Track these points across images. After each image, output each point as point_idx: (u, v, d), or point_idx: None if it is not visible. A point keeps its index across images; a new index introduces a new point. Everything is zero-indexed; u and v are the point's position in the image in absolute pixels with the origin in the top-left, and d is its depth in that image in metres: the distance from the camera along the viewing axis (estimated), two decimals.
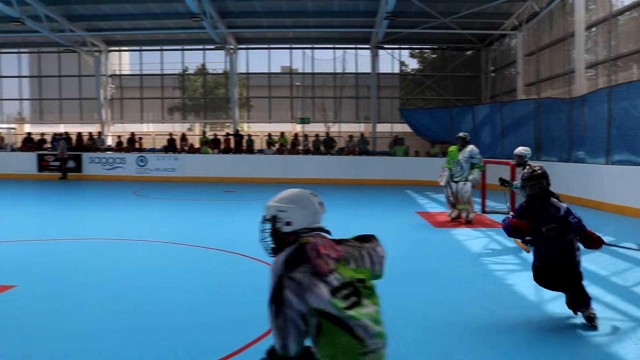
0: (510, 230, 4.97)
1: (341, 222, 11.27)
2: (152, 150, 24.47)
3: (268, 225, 2.70)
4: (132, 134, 25.18)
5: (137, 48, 27.37)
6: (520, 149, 8.53)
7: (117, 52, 27.95)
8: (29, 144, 25.17)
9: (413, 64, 27.39)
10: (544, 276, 4.87)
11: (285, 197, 2.72)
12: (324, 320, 2.37)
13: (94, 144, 24.91)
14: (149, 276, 6.42)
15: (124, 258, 7.47)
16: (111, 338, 4.41)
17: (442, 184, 10.94)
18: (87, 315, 4.99)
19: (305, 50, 26.12)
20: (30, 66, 28.66)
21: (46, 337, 4.43)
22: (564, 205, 4.97)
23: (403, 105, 25.87)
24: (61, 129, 27.41)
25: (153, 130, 28.41)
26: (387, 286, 3.00)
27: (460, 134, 10.93)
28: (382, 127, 25.83)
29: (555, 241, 4.80)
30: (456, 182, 10.64)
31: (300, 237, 2.59)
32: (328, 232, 2.67)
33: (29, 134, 26.15)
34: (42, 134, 25.90)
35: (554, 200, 4.99)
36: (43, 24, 21.58)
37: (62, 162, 22.65)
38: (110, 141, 26.15)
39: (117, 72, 27.84)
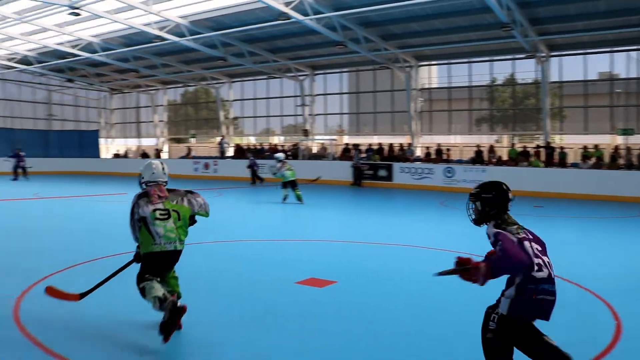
0: None
1: None
2: (459, 161, 25.40)
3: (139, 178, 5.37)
4: (439, 145, 26.70)
5: (446, 62, 28.82)
6: None
7: (426, 67, 29.88)
8: (346, 153, 28.68)
9: None
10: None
11: (143, 164, 5.38)
12: (142, 223, 4.95)
13: (404, 154, 27.08)
14: (443, 286, 6.91)
15: (425, 265, 8.15)
16: (412, 340, 4.98)
17: None
18: (392, 315, 5.63)
19: (630, 52, 24.23)
20: (350, 83, 32.48)
21: (357, 330, 5.22)
22: (493, 231, 3.60)
23: None
24: (374, 140, 30.44)
25: (460, 141, 29.54)
26: None
27: None
28: None
29: None
30: None
31: (145, 186, 5.22)
32: (165, 182, 5.29)
33: (347, 144, 29.71)
34: (358, 145, 29.21)
35: (488, 227, 3.72)
36: (362, 45, 24.39)
37: (356, 171, 25.40)
38: (419, 152, 28.07)
39: (427, 86, 29.75)
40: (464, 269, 3.39)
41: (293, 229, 12.93)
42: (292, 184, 16.99)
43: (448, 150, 26.25)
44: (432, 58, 28.65)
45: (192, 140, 39.12)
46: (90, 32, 27.13)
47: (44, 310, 5.57)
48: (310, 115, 32.55)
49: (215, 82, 36.12)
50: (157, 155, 37.29)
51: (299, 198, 16.87)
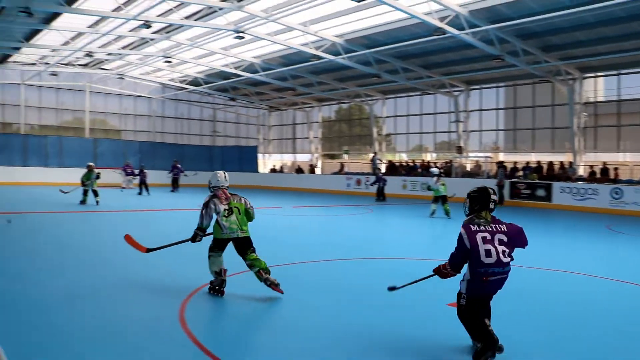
0: None
1: None
2: (630, 181, 23.42)
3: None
4: (605, 163, 24.85)
5: (615, 72, 26.72)
6: None
7: (592, 79, 27.99)
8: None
9: None
10: None
11: (212, 173, 6.99)
12: (218, 216, 6.65)
13: (565, 173, 25.56)
14: (606, 318, 6.34)
15: (592, 295, 7.57)
16: None
17: None
18: (548, 345, 5.33)
19: None
20: (506, 98, 31.35)
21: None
22: (461, 228, 4.94)
23: None
24: (532, 157, 29.06)
25: (630, 160, 27.23)
26: None
27: None
28: None
29: None
30: None
31: (213, 189, 6.87)
32: (227, 187, 6.93)
33: (502, 162, 28.67)
34: (515, 163, 28.06)
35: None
36: (520, 58, 23.46)
37: (499, 189, 24.48)
38: (582, 171, 26.38)
39: (592, 99, 27.85)
40: (437, 272, 5.09)
41: (445, 247, 12.71)
42: (442, 199, 18.05)
43: (616, 169, 24.37)
44: (598, 69, 26.75)
45: (345, 156, 39.99)
46: (252, 54, 28.94)
47: (206, 313, 6.01)
48: (464, 131, 31.90)
49: (368, 98, 36.71)
50: (311, 171, 38.71)
51: (447, 212, 17.84)
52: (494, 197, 5.02)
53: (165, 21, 22.51)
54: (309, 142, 42.83)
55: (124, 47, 29.02)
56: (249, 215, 6.98)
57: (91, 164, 20.30)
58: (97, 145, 35.95)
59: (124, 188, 30.51)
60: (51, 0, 19.90)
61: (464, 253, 4.80)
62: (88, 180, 19.43)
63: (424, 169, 29.97)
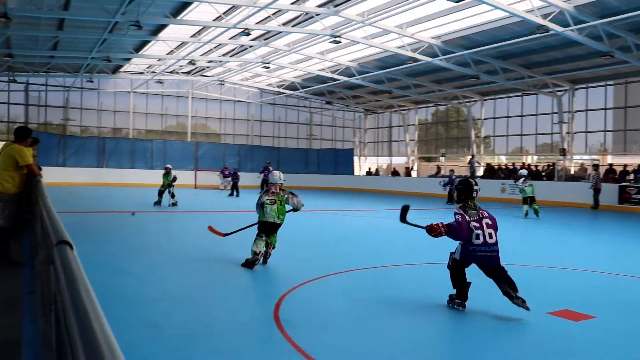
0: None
1: None
2: None
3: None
4: None
5: None
6: None
7: None
8: (610, 174, 26.27)
9: None
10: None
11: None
12: (262, 205, 8.63)
13: None
14: None
15: None
16: None
17: None
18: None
19: None
20: (616, 97, 29.72)
21: None
22: (456, 210, 6.21)
23: None
24: None
25: None
26: None
27: None
28: None
29: None
30: None
31: (268, 185, 8.99)
32: (280, 184, 8.77)
33: (611, 165, 27.24)
34: (625, 166, 26.57)
35: (455, 206, 6.38)
36: (632, 53, 22.19)
37: (595, 193, 23.18)
38: None
39: None
40: (430, 228, 5.99)
41: (544, 253, 12.29)
42: (531, 200, 18.40)
43: None
44: None
45: (442, 159, 39.44)
46: (348, 58, 29.21)
47: (302, 313, 6.16)
48: (568, 133, 30.58)
49: (466, 100, 36.02)
50: (407, 174, 38.49)
51: (536, 212, 18.22)
52: (476, 187, 6.32)
53: (264, 28, 23.21)
54: (405, 145, 42.57)
55: (224, 55, 30.18)
56: (289, 207, 8.79)
57: (169, 166, 21.11)
58: (198, 148, 37.64)
59: (221, 189, 31.74)
60: (158, 12, 21.11)
61: (458, 233, 5.99)
62: (167, 181, 20.26)
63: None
